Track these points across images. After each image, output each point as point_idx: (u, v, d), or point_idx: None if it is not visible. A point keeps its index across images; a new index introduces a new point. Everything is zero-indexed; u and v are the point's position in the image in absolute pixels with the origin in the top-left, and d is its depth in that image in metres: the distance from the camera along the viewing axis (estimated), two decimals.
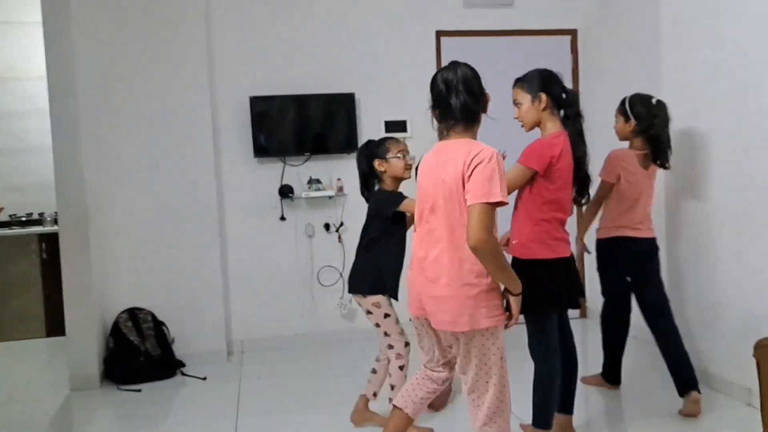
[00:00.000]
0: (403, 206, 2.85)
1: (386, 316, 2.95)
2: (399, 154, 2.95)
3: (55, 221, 4.98)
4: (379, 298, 2.95)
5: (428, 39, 4.74)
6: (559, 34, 4.94)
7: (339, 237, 4.64)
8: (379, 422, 3.01)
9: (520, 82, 2.70)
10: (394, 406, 2.39)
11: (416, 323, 2.29)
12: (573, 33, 4.95)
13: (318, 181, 4.55)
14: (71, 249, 3.90)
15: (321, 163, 4.61)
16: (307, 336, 4.62)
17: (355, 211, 4.46)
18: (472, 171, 1.96)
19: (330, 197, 4.59)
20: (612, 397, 3.45)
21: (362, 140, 4.53)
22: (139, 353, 4.04)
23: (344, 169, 4.56)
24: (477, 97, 2.07)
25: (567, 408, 2.83)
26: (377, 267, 2.95)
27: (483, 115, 2.15)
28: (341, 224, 4.62)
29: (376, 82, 4.67)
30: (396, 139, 3.02)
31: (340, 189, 4.59)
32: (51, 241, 5.07)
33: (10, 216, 5.50)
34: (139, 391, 3.83)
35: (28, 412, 3.63)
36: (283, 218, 4.58)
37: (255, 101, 4.44)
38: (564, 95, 2.65)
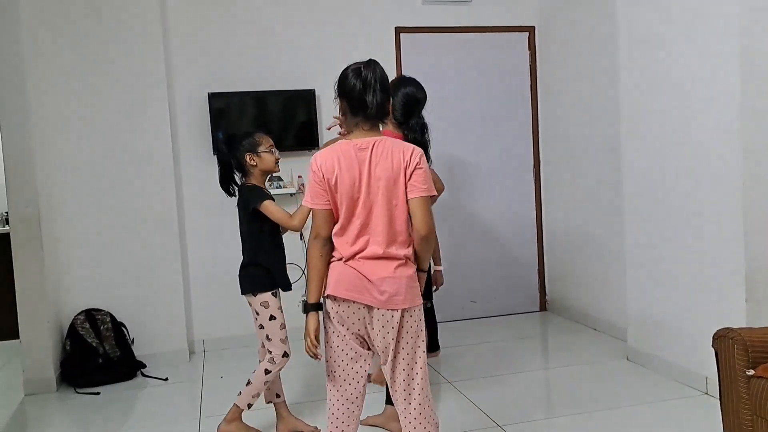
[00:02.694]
0: (263, 206, 2.80)
1: (272, 318, 2.86)
2: (270, 149, 2.93)
3: (6, 221, 4.82)
4: (268, 297, 2.86)
5: (388, 35, 4.75)
6: (517, 31, 5.02)
7: (301, 234, 4.62)
8: (306, 428, 3.03)
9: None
10: None
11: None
12: (530, 30, 5.03)
13: (279, 179, 4.52)
14: (23, 250, 3.79)
15: (281, 160, 4.56)
16: None
17: None
18: (415, 167, 2.04)
19: (291, 194, 4.56)
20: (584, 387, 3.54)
21: (323, 136, 4.56)
22: (98, 355, 3.95)
23: (305, 166, 4.51)
24: (389, 97, 2.13)
25: None
26: (263, 263, 2.88)
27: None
28: None
29: (335, 78, 4.63)
30: (264, 134, 2.97)
31: (302, 186, 4.57)
32: (1, 242, 4.90)
33: None
34: (98, 393, 3.75)
35: None
36: None
37: (213, 97, 4.38)
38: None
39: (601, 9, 4.21)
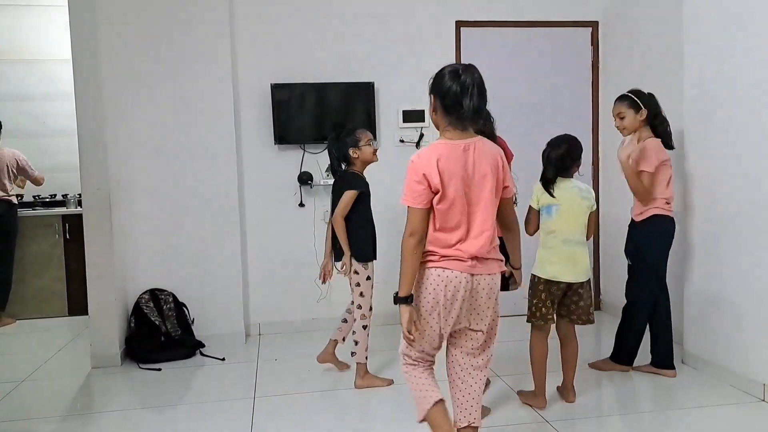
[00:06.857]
0: (345, 192, 3.36)
1: (368, 278, 3.43)
2: (369, 143, 3.43)
3: (79, 203, 5.09)
4: (361, 264, 3.41)
5: (448, 29, 4.76)
6: (580, 26, 4.94)
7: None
8: (339, 366, 3.72)
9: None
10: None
11: None
12: (594, 25, 4.94)
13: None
14: (94, 230, 3.98)
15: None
16: (323, 320, 4.69)
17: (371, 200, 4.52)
18: (504, 167, 2.20)
19: None
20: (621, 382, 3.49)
21: (381, 129, 4.64)
22: (160, 333, 4.13)
23: None
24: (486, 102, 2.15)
25: None
26: (352, 237, 3.39)
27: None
28: None
29: (394, 72, 4.70)
30: (364, 130, 3.49)
31: None
32: (74, 222, 5.18)
33: (34, 197, 5.62)
34: (159, 370, 3.93)
35: (50, 388, 3.73)
36: (302, 204, 4.64)
37: (276, 89, 4.49)
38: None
39: (666, 4, 4.10)
